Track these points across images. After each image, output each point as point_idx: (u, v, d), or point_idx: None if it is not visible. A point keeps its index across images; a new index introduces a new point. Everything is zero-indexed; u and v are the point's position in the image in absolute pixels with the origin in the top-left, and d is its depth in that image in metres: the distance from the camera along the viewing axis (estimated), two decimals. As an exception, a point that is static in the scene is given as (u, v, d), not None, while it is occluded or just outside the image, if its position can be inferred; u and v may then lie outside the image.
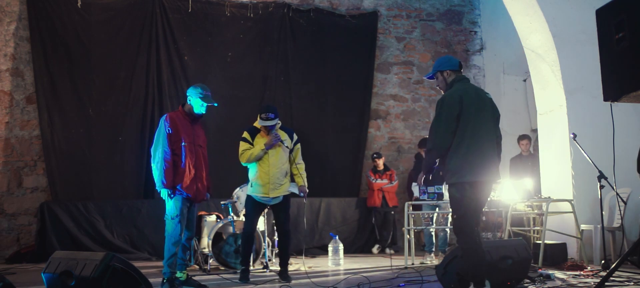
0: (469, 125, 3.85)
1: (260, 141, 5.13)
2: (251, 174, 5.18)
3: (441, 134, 3.88)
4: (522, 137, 7.69)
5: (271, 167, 5.07)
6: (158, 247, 7.34)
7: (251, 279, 5.08)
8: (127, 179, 7.92)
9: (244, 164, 5.20)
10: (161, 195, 4.55)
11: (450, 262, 4.07)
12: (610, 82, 3.79)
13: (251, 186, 5.14)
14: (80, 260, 3.58)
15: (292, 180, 5.38)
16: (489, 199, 6.70)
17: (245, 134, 5.23)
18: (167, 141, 4.51)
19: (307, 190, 5.35)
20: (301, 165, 5.37)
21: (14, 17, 7.83)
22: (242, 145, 5.17)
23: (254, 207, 5.18)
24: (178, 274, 4.63)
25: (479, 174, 3.83)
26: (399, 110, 9.18)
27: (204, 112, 4.68)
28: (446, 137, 3.86)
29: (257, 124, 5.21)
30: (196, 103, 4.62)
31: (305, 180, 5.34)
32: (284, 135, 5.25)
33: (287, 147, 5.18)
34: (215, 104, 4.68)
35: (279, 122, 5.29)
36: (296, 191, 5.37)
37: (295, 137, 5.37)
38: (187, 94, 4.69)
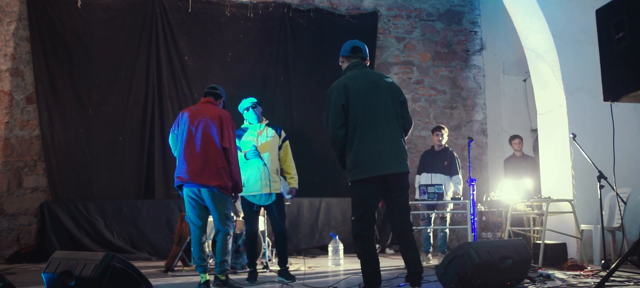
0: (358, 116, 3.61)
1: (250, 138, 5.14)
2: (242, 173, 5.06)
3: (331, 128, 3.66)
4: (513, 137, 7.60)
5: (264, 165, 5.04)
6: (158, 247, 7.35)
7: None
8: (127, 179, 7.92)
9: None
10: (225, 197, 4.45)
11: (450, 262, 4.07)
12: (610, 82, 3.79)
13: (244, 186, 5.05)
14: (80, 260, 3.58)
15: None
16: (488, 199, 6.75)
17: None
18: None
19: (295, 193, 5.32)
20: (293, 166, 5.32)
21: (14, 17, 7.83)
22: None
23: (250, 209, 5.16)
24: (202, 276, 4.43)
25: (373, 170, 3.58)
26: (399, 110, 9.17)
27: None
28: (336, 131, 3.64)
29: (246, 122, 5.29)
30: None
31: (297, 182, 5.30)
32: (271, 132, 5.24)
33: (264, 163, 5.03)
34: None
35: (265, 120, 5.33)
36: (285, 192, 5.22)
37: (283, 133, 5.33)
38: (222, 95, 4.80)
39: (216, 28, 8.42)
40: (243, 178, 5.05)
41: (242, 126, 5.30)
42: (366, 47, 4.02)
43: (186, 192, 4.43)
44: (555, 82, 6.62)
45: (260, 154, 5.03)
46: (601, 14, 3.88)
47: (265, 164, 5.03)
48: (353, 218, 3.65)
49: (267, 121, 5.33)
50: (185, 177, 4.36)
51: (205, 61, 8.36)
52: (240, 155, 5.05)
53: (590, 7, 4.71)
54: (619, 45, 3.62)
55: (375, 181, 3.63)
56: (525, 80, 8.81)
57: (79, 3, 7.88)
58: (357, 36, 8.77)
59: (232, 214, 5.48)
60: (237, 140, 5.13)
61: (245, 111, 5.28)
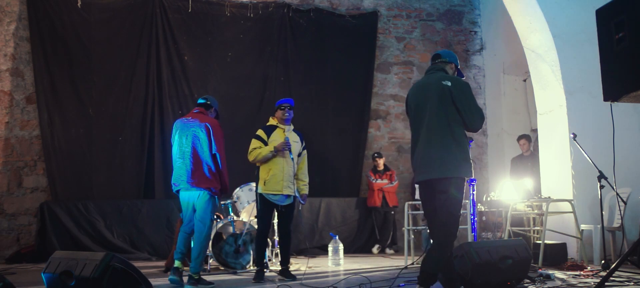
0: (412, 124, 3.90)
1: (278, 137, 5.13)
2: (264, 171, 5.07)
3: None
4: (521, 137, 7.68)
5: (287, 165, 5.06)
6: (158, 247, 7.36)
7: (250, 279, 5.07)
8: (127, 179, 7.92)
9: (251, 161, 5.17)
10: (215, 200, 4.87)
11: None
12: (610, 82, 3.79)
13: (264, 184, 5.04)
14: (80, 260, 3.57)
15: None
16: (488, 199, 6.74)
17: (260, 132, 5.19)
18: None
19: (306, 198, 5.40)
20: (307, 173, 5.36)
21: (14, 17, 7.83)
22: (253, 143, 5.15)
23: (268, 208, 5.14)
24: (177, 262, 4.81)
25: (417, 174, 3.84)
26: (399, 110, 9.18)
27: None
28: (412, 134, 3.93)
29: (273, 120, 5.27)
30: None
31: (307, 188, 5.35)
32: (295, 137, 5.26)
33: (292, 158, 5.10)
34: None
35: (291, 125, 5.32)
36: (297, 196, 5.30)
37: (303, 142, 5.37)
38: (213, 105, 5.07)
39: (216, 28, 8.43)
40: (266, 176, 5.06)
41: (267, 124, 5.29)
42: (449, 51, 4.04)
43: (182, 195, 4.92)
44: (555, 82, 6.62)
45: (291, 151, 5.10)
46: (601, 14, 3.87)
47: (293, 159, 5.10)
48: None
49: (292, 126, 5.33)
50: (178, 183, 4.84)
51: (205, 61, 8.36)
52: (264, 149, 5.07)
53: (590, 7, 4.69)
54: (619, 45, 3.62)
55: (420, 186, 3.93)
56: (525, 80, 8.81)
57: (79, 3, 7.88)
58: (357, 36, 8.96)
59: (231, 214, 5.68)
60: (266, 135, 5.17)
61: (280, 110, 5.24)
